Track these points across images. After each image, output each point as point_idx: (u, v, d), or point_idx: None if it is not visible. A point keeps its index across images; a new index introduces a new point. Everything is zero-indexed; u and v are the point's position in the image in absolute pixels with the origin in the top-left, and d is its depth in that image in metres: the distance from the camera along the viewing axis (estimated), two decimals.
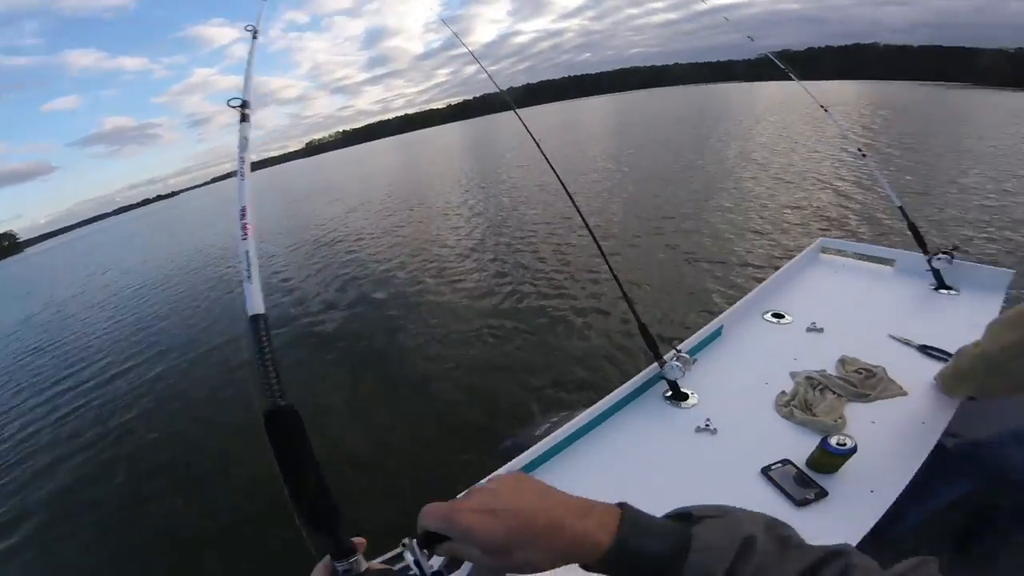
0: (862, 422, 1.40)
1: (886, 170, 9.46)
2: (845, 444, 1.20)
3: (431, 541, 0.48)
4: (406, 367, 5.06)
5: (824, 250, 2.51)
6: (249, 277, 0.75)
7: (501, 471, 1.28)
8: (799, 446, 1.33)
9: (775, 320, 1.98)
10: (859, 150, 2.73)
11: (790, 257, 2.49)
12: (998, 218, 6.95)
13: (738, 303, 2.01)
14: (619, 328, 4.93)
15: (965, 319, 1.87)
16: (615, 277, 1.83)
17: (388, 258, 9.28)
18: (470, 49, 2.80)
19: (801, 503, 1.18)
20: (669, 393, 1.62)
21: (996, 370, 1.25)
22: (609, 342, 4.78)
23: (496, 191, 14.35)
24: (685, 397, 1.60)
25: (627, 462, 1.41)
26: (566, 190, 2.04)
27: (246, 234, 0.83)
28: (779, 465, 1.29)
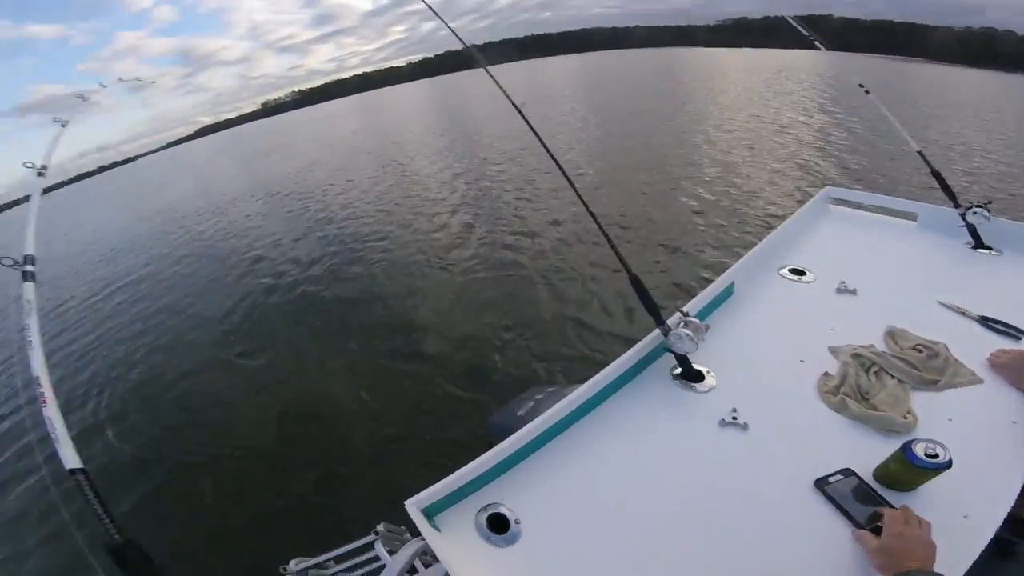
0: (936, 419, 1.10)
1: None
2: (937, 456, 0.89)
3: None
4: (393, 335, 4.81)
5: (832, 200, 2.21)
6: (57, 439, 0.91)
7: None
8: (860, 450, 1.02)
9: (795, 277, 1.67)
10: (860, 85, 2.40)
11: (791, 212, 2.15)
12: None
13: (746, 256, 1.68)
14: (615, 289, 4.62)
15: (1015, 284, 1.60)
16: (599, 227, 1.49)
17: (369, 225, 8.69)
18: (429, 4, 2.41)
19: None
20: (679, 370, 1.27)
21: None
22: (605, 303, 4.51)
23: (472, 148, 13.78)
24: (700, 377, 1.25)
25: (633, 460, 1.08)
26: (542, 143, 1.68)
27: (46, 402, 0.95)
28: (838, 477, 0.98)
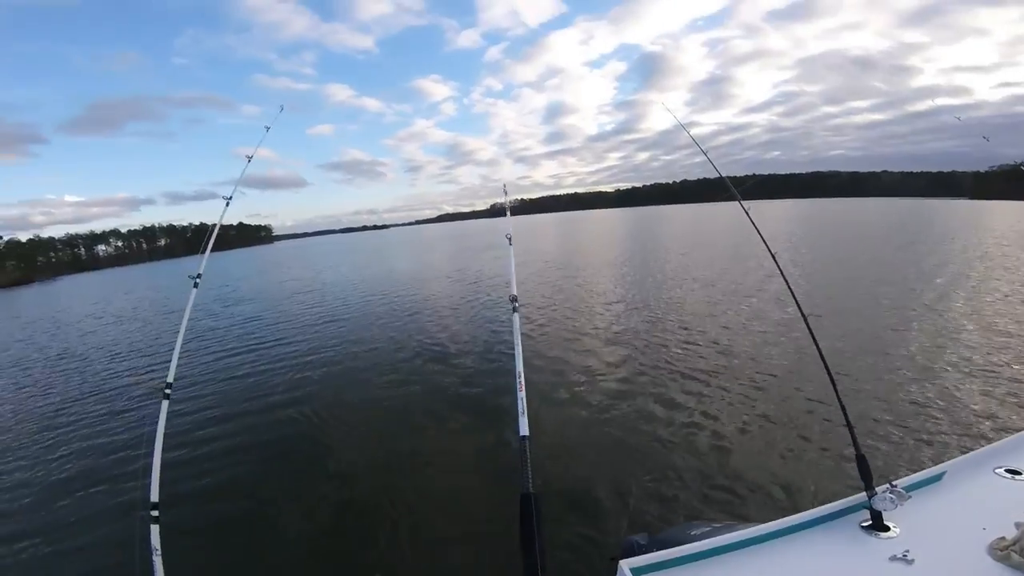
0: None
1: None
2: None
3: None
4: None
5: None
6: (523, 412, 1.23)
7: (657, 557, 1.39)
8: None
9: (1009, 476, 1.71)
10: None
11: None
12: None
13: (968, 454, 1.80)
14: (810, 445, 4.58)
15: None
16: (839, 401, 1.84)
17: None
18: (694, 138, 3.02)
19: None
20: (868, 523, 1.51)
21: None
22: (798, 458, 4.44)
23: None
24: (886, 529, 1.48)
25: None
26: (791, 292, 2.23)
27: (522, 388, 1.31)
28: None
